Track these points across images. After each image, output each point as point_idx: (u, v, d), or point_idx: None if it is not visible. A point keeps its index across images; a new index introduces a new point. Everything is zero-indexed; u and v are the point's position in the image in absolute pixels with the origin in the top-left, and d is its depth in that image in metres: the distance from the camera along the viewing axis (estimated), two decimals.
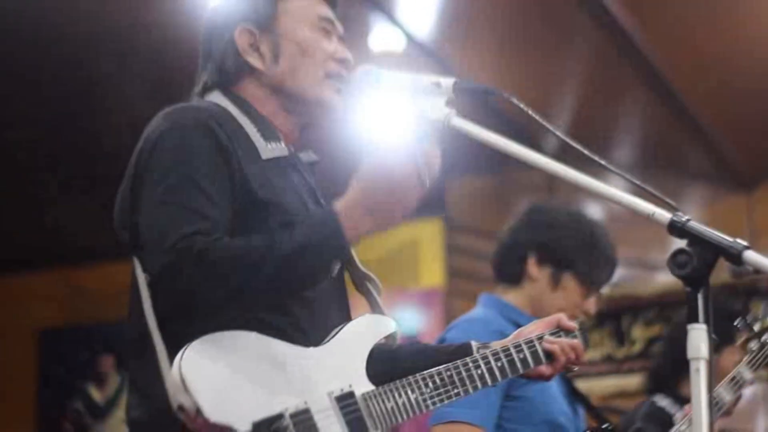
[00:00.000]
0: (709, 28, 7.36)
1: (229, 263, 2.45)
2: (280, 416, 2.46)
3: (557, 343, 2.97)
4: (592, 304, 3.97)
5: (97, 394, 10.96)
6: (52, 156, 9.18)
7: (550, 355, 2.96)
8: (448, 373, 2.76)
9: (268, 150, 2.72)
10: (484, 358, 2.84)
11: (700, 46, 7.47)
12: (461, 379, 2.78)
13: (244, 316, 2.55)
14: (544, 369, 2.96)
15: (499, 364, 2.85)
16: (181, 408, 2.40)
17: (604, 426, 3.79)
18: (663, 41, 7.45)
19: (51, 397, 11.30)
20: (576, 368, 3.03)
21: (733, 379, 4.02)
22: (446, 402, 2.75)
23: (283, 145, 2.77)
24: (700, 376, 2.20)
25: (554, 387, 3.85)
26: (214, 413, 2.38)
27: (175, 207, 2.52)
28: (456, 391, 2.77)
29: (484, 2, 7.35)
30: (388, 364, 2.82)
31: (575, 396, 3.99)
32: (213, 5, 2.93)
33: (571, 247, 3.93)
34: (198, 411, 2.38)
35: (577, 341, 3.00)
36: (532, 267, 3.94)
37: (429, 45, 7.83)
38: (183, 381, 2.42)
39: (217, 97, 2.80)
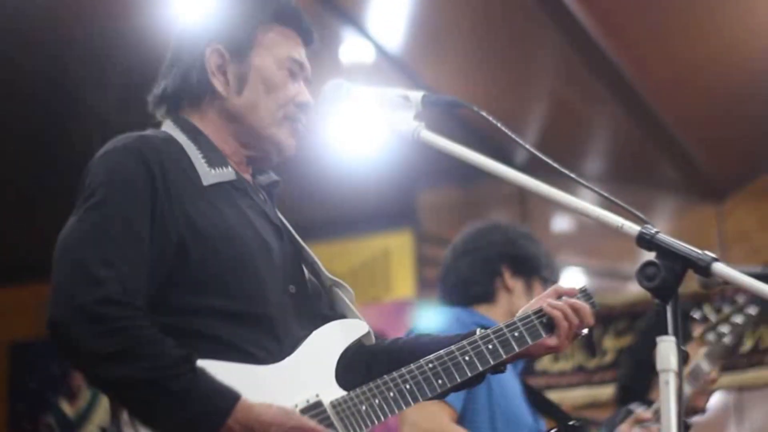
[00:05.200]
0: (679, 39, 7.38)
1: (118, 341, 2.42)
2: None
3: (558, 308, 2.84)
4: None
5: (68, 409, 10.90)
6: (21, 167, 9.12)
7: (551, 327, 2.84)
8: (431, 365, 2.71)
9: (211, 176, 2.69)
10: (472, 342, 2.76)
11: (671, 57, 7.49)
12: (446, 369, 2.71)
13: (202, 334, 2.54)
14: (549, 341, 2.84)
15: (490, 346, 2.77)
16: None
17: (570, 423, 3.81)
18: (633, 52, 7.47)
19: (23, 409, 11.23)
20: (585, 332, 2.87)
21: (692, 372, 4.04)
22: (430, 396, 2.70)
23: (230, 169, 2.75)
24: (670, 388, 2.21)
25: (513, 385, 3.92)
26: None
27: (90, 252, 2.48)
28: (440, 381, 2.70)
29: (454, 15, 7.35)
30: (384, 362, 2.78)
31: (531, 395, 4.05)
32: (192, 16, 2.93)
33: (532, 254, 4.21)
34: None
35: (580, 303, 2.88)
36: (508, 279, 4.15)
37: (399, 57, 7.83)
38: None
39: (167, 126, 2.80)
